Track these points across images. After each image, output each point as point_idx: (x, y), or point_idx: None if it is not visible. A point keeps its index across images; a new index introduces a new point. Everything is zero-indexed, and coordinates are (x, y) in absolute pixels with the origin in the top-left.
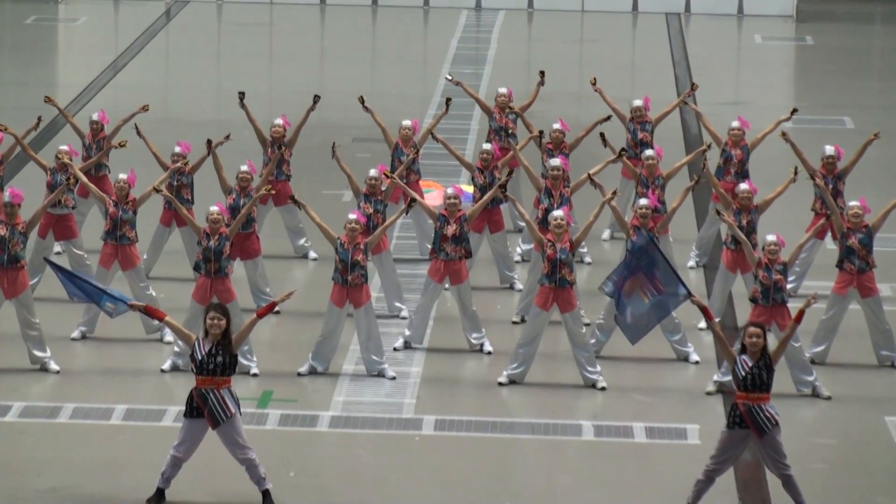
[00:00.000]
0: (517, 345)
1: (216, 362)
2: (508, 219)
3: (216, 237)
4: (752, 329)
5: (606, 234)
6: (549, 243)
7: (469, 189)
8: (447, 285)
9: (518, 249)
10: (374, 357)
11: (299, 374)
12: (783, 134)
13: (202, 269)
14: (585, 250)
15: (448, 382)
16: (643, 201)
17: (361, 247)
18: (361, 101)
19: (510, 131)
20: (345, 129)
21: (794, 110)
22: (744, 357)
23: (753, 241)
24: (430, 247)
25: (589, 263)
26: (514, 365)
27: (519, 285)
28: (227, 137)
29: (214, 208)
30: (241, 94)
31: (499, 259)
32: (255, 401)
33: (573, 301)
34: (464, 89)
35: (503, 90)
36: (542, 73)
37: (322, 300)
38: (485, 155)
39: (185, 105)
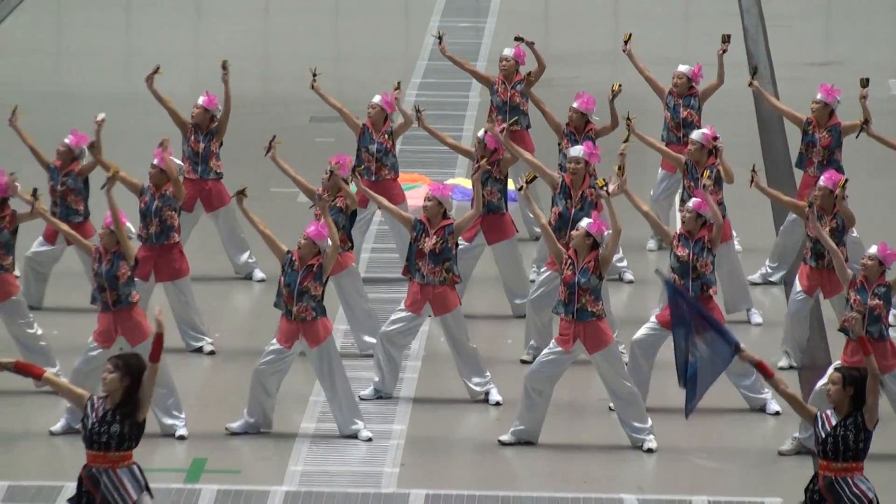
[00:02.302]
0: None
1: (110, 433)
2: (519, 222)
3: (108, 257)
4: (831, 374)
5: (652, 244)
6: (569, 261)
7: (468, 184)
8: (430, 315)
9: (532, 270)
10: (345, 415)
11: (229, 432)
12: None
13: (98, 300)
14: (625, 264)
15: (441, 445)
16: (693, 202)
17: (314, 269)
18: (313, 78)
19: (521, 109)
20: (298, 104)
21: (865, 81)
22: (826, 412)
23: (842, 254)
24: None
25: (630, 282)
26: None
27: None
28: (273, 140)
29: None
30: (156, 69)
31: (507, 277)
32: (184, 473)
33: (604, 337)
34: (453, 61)
35: (509, 52)
36: (519, 38)
37: (272, 334)
38: (480, 143)
39: (83, 75)
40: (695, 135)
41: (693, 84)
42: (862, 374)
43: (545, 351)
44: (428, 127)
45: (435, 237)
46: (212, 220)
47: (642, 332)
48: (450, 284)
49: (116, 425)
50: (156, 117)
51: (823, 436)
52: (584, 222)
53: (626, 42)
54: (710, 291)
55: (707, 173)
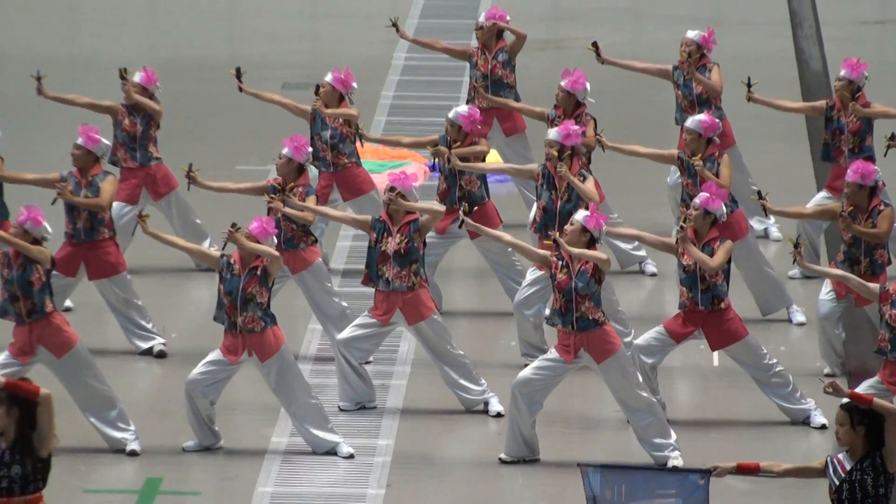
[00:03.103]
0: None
1: (11, 475)
2: (508, 211)
3: (19, 261)
4: (837, 414)
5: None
6: (561, 263)
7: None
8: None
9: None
10: (315, 431)
11: (185, 451)
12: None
13: (10, 312)
14: (644, 253)
15: (433, 462)
16: (700, 197)
17: (258, 273)
18: (238, 80)
19: (505, 82)
20: (269, 67)
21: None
22: (838, 456)
23: (881, 259)
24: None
25: (653, 275)
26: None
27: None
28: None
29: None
30: (38, 77)
31: (500, 270)
32: (135, 494)
33: (610, 344)
34: (419, 43)
35: (484, 19)
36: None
37: None
38: (453, 125)
39: (15, 33)
40: (690, 122)
41: (705, 52)
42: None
43: (541, 357)
44: (380, 139)
45: (399, 236)
46: (162, 209)
47: (647, 338)
48: (419, 288)
49: (17, 466)
50: (94, 86)
51: (837, 483)
52: (580, 216)
53: (596, 52)
54: (723, 304)
55: (699, 158)
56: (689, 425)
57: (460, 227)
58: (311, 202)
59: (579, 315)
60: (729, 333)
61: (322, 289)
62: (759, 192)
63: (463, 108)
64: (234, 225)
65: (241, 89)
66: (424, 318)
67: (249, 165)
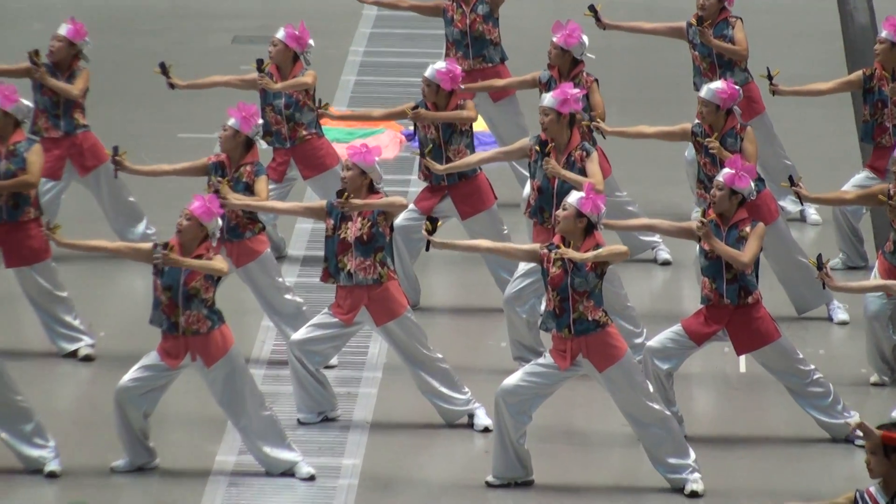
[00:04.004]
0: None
1: None
2: (503, 187)
3: None
4: (867, 441)
5: (697, 213)
6: (553, 256)
7: (482, 126)
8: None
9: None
10: (268, 448)
11: (113, 471)
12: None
13: None
14: (657, 238)
15: (407, 486)
16: (724, 174)
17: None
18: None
19: (487, 39)
20: (218, 18)
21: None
22: (870, 489)
23: None
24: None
25: (666, 263)
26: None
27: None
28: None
29: None
30: None
31: (488, 261)
32: None
33: (613, 349)
34: (379, 4)
35: None
36: None
37: None
38: (430, 84)
39: None
40: (705, 92)
41: (726, 5)
42: None
43: (534, 362)
44: (343, 115)
45: (360, 220)
46: (90, 185)
47: (662, 339)
48: (388, 281)
49: None
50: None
51: None
52: (573, 198)
53: (595, 17)
54: (751, 298)
55: (714, 137)
56: (711, 443)
57: (427, 249)
58: (261, 184)
59: (577, 316)
60: (759, 334)
61: (272, 284)
62: (791, 178)
63: (440, 64)
64: (165, 245)
65: (171, 86)
66: (394, 316)
67: (192, 133)
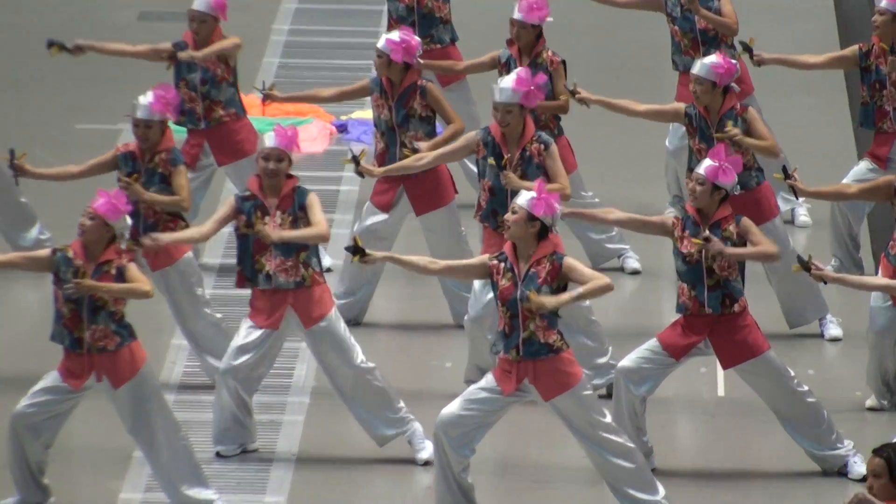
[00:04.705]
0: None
1: None
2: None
3: None
4: (870, 463)
5: (672, 211)
6: (503, 267)
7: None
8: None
9: None
10: (181, 484)
11: None
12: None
13: None
14: (626, 245)
15: None
16: (705, 166)
17: (113, 271)
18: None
19: (437, 17)
20: None
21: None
22: None
23: None
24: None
25: (635, 272)
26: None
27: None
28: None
29: None
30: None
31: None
32: None
33: (566, 377)
34: None
35: None
36: None
37: None
38: (381, 56)
39: None
40: (698, 69)
41: None
42: None
43: (475, 386)
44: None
45: (280, 214)
46: None
47: (636, 358)
48: (313, 285)
49: None
50: None
51: None
52: (523, 199)
53: None
54: (737, 306)
55: (730, 126)
56: (686, 477)
57: (358, 173)
58: (180, 177)
59: (527, 336)
60: (746, 345)
61: (189, 294)
62: (784, 170)
63: (395, 34)
64: (77, 273)
65: (72, 50)
66: (317, 319)
67: (93, 124)
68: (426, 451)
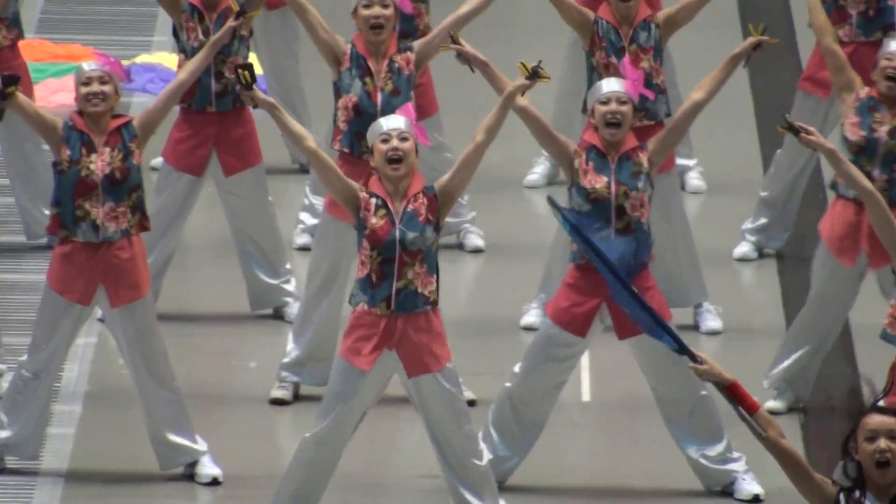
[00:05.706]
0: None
1: None
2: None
3: None
4: (874, 420)
5: (541, 169)
6: (375, 202)
7: (172, 63)
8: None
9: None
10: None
11: None
12: None
13: None
14: (471, 217)
15: None
16: (618, 86)
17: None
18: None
19: None
20: None
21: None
22: (855, 496)
23: None
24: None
25: (477, 250)
26: None
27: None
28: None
29: None
30: None
31: (243, 255)
32: None
33: (441, 351)
34: None
35: None
36: None
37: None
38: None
39: None
40: None
41: None
42: None
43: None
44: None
45: (108, 150)
46: None
47: (524, 365)
48: (135, 238)
49: None
50: None
51: None
52: (398, 118)
53: None
54: (647, 258)
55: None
56: (543, 493)
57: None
58: None
59: (402, 285)
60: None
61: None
62: (786, 120)
63: None
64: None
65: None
66: (140, 297)
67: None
68: (214, 471)
